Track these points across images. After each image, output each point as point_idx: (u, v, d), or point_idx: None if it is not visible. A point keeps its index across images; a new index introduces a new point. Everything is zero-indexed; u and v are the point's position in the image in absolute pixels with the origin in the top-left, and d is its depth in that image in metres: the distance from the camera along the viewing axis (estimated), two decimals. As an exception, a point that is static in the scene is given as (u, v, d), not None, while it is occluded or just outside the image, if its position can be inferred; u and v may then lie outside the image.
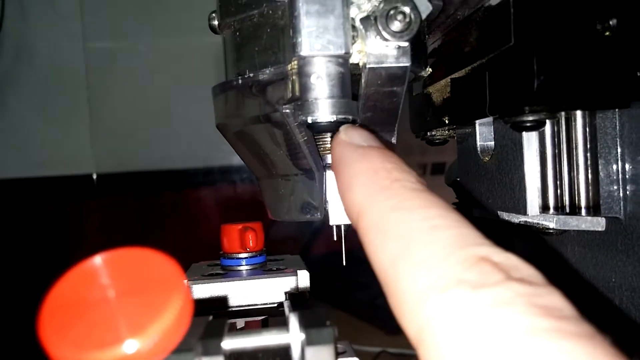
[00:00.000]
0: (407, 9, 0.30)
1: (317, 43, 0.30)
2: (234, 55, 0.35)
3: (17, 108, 1.43)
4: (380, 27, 0.30)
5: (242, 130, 0.36)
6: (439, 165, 1.27)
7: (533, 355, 0.18)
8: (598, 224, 0.36)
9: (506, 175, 0.40)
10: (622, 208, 0.35)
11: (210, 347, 0.26)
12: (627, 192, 0.35)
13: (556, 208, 0.38)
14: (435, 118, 0.47)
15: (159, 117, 1.51)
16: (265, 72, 0.33)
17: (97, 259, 0.23)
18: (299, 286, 0.42)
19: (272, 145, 0.35)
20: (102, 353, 0.21)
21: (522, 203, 0.38)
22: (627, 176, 0.35)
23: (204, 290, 0.41)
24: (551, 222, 0.37)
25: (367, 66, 0.31)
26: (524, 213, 0.38)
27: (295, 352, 0.27)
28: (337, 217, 0.33)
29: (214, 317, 0.31)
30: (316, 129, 0.32)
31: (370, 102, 0.33)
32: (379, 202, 0.25)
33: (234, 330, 0.35)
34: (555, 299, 0.20)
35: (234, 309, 0.41)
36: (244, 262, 0.46)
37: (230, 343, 0.27)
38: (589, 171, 0.37)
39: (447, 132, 0.49)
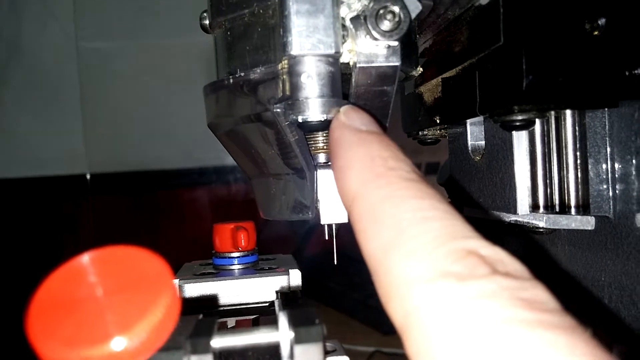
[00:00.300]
0: (396, 9, 0.30)
1: (307, 42, 0.30)
2: (225, 54, 0.35)
3: (9, 108, 1.43)
4: (370, 27, 0.30)
5: (233, 130, 0.36)
6: (433, 165, 1.27)
7: (514, 344, 0.18)
8: (588, 222, 0.37)
9: (496, 175, 0.41)
10: (611, 207, 0.35)
11: (199, 345, 0.26)
12: (617, 191, 0.35)
13: (546, 207, 0.38)
14: (426, 117, 0.47)
15: (152, 117, 1.51)
16: (256, 72, 0.33)
17: (85, 257, 0.23)
18: (291, 285, 0.42)
19: (263, 145, 0.35)
20: (90, 350, 0.21)
21: (512, 202, 0.39)
22: (616, 175, 0.35)
23: (196, 289, 0.41)
24: (541, 221, 0.37)
25: (358, 65, 0.31)
26: (514, 212, 0.38)
27: (285, 350, 0.27)
28: (329, 216, 0.33)
29: (204, 316, 0.31)
30: (307, 128, 0.32)
31: (360, 101, 0.33)
32: (373, 190, 0.25)
33: (224, 329, 0.35)
34: (538, 293, 0.20)
35: (225, 307, 0.41)
36: (235, 262, 0.46)
37: (219, 341, 0.27)
38: (579, 170, 0.37)
39: (438, 131, 0.49)
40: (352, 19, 0.31)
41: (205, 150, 1.45)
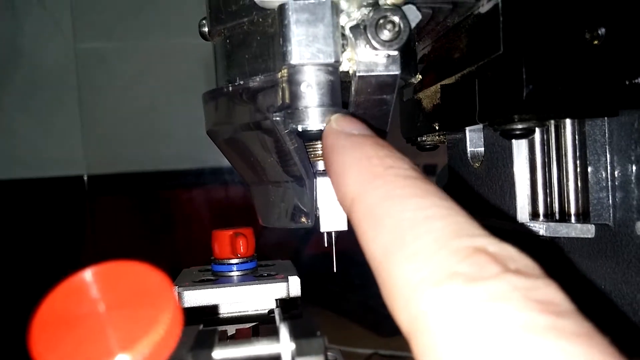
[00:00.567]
0: (396, 18, 0.30)
1: (307, 52, 0.30)
2: (225, 62, 0.35)
3: (7, 109, 1.42)
4: (369, 36, 0.30)
5: (232, 137, 0.36)
6: (430, 167, 1.27)
7: (528, 354, 0.17)
8: (588, 231, 0.37)
9: (496, 182, 0.41)
10: (611, 215, 0.35)
11: (201, 357, 0.26)
12: (617, 199, 0.35)
13: (546, 215, 0.38)
14: (425, 124, 0.47)
15: (150, 118, 1.50)
16: (255, 80, 0.33)
17: (87, 273, 0.23)
18: (290, 292, 0.42)
19: (262, 152, 0.35)
20: (92, 367, 0.21)
21: (512, 210, 0.39)
22: (616, 183, 0.35)
23: (195, 296, 0.41)
24: (541, 229, 0.37)
25: (357, 74, 0.31)
26: (514, 220, 0.38)
27: (286, 363, 0.27)
28: (328, 223, 0.34)
29: (204, 324, 0.31)
30: (306, 137, 0.32)
31: (360, 110, 0.33)
32: (372, 190, 0.24)
33: (224, 338, 0.35)
34: (552, 292, 0.19)
35: (224, 315, 0.41)
36: (234, 268, 0.46)
37: (220, 353, 0.27)
38: (579, 178, 0.37)
39: (437, 137, 0.49)
40: (352, 28, 0.31)
41: (203, 152, 1.45)
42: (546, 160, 0.38)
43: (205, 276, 0.45)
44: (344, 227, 0.33)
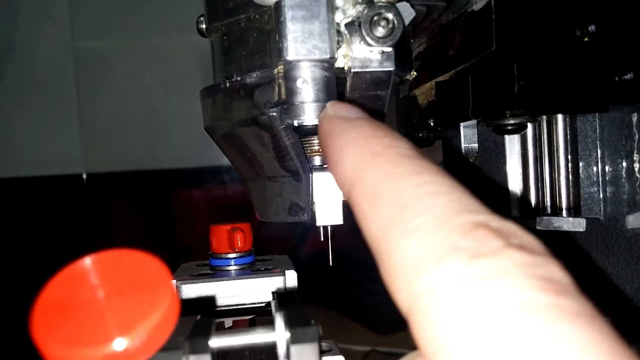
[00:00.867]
0: (390, 15, 0.30)
1: (303, 48, 0.30)
2: (222, 58, 0.36)
3: (6, 108, 1.43)
4: (364, 33, 0.30)
5: (229, 133, 0.36)
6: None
7: (529, 335, 0.17)
8: (579, 224, 0.37)
9: (489, 177, 0.41)
10: (602, 209, 0.36)
11: (198, 345, 0.27)
12: (607, 194, 0.36)
13: (538, 209, 0.39)
14: (420, 120, 0.47)
15: (149, 116, 1.50)
16: (252, 76, 0.33)
17: (87, 260, 0.24)
18: (287, 286, 0.42)
19: (259, 148, 0.36)
20: (92, 351, 0.21)
21: (504, 204, 0.39)
22: (607, 178, 0.36)
23: (193, 289, 0.41)
24: (533, 223, 0.38)
25: (352, 70, 0.31)
26: (507, 214, 0.39)
27: (281, 350, 0.28)
28: (324, 218, 0.34)
29: (202, 316, 0.32)
30: (302, 132, 0.32)
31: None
32: (371, 169, 0.24)
33: (221, 329, 0.36)
34: (554, 270, 0.19)
35: (222, 308, 0.42)
36: (232, 262, 0.46)
37: (217, 341, 0.28)
38: (570, 173, 0.38)
39: (432, 133, 0.50)
40: (347, 25, 0.31)
41: (202, 150, 1.45)
42: (538, 155, 0.39)
43: (203, 270, 0.46)
44: (340, 222, 0.34)
